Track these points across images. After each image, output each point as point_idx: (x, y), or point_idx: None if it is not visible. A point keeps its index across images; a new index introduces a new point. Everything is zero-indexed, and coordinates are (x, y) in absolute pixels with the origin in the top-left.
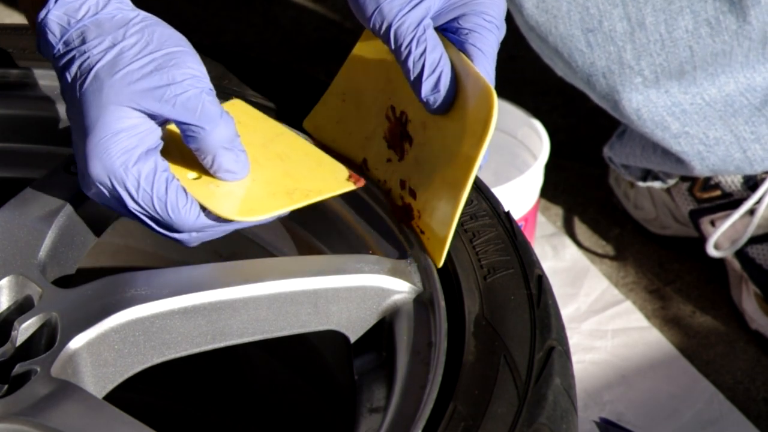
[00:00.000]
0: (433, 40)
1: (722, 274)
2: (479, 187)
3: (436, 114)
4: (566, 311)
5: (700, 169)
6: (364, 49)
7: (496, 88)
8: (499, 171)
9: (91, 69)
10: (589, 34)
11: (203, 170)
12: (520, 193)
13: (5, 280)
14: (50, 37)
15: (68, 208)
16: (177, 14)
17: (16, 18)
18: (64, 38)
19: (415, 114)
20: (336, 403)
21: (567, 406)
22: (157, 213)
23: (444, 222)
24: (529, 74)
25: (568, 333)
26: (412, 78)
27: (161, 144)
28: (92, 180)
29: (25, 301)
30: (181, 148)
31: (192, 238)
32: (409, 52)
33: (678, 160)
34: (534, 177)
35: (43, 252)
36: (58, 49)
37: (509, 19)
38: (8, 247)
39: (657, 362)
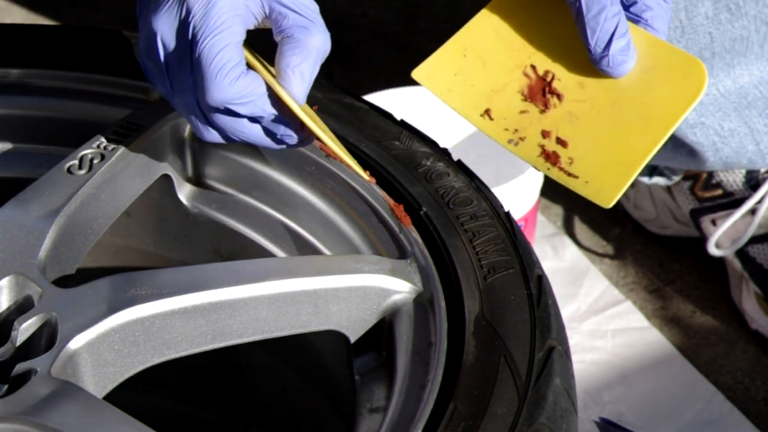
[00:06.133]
0: (621, 7)
1: (722, 274)
2: (479, 187)
3: (614, 75)
4: (566, 311)
5: (713, 161)
6: (497, 11)
7: None
8: (499, 171)
9: None
10: None
11: None
12: (520, 193)
13: (5, 280)
14: None
15: (68, 208)
16: None
17: (16, 18)
18: None
19: (567, 73)
20: (336, 403)
21: (567, 406)
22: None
23: (625, 166)
24: None
25: (568, 333)
26: (595, 37)
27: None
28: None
29: (25, 301)
30: None
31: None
32: (600, 11)
33: (689, 154)
34: (534, 177)
35: (43, 252)
36: None
37: None
38: (8, 247)
39: (657, 362)
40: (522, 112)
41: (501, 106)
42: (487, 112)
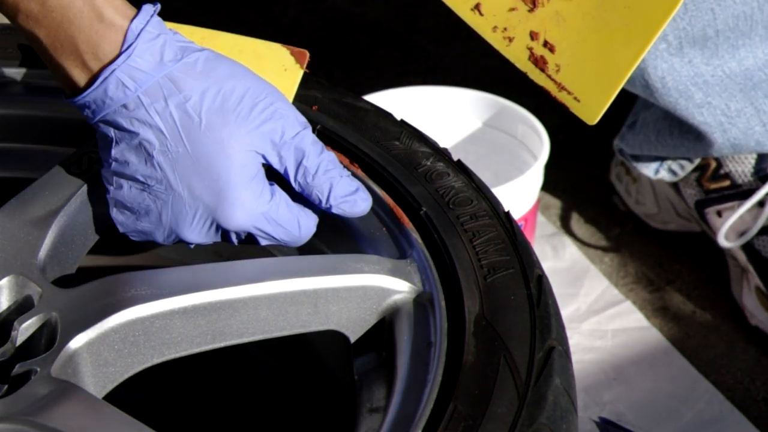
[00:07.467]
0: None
1: (722, 273)
2: (479, 187)
3: None
4: (566, 311)
5: (721, 143)
6: None
7: (496, 88)
8: (499, 171)
9: (199, 114)
10: None
11: None
12: (520, 193)
13: (5, 280)
14: (120, 87)
15: (68, 208)
16: (175, 14)
17: None
18: (146, 86)
19: None
20: (336, 403)
21: (567, 406)
22: (285, 236)
23: (610, 76)
24: None
25: (568, 333)
26: None
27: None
28: (233, 227)
29: (25, 301)
30: None
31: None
32: None
33: (697, 138)
34: (534, 177)
35: (43, 252)
36: (134, 98)
37: None
38: (8, 247)
39: (657, 362)
40: (511, 9)
41: (489, 1)
42: (477, 6)
